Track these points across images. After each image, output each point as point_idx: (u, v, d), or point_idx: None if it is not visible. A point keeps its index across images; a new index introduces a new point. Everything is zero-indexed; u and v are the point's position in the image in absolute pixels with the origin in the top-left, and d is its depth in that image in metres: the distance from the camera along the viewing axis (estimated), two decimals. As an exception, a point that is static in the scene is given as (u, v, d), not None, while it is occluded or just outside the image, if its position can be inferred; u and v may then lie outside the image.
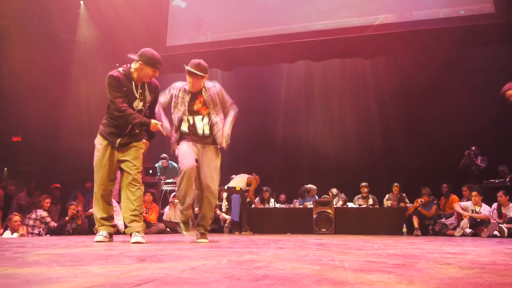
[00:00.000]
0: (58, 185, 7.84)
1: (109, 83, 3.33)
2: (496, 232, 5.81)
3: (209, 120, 3.71)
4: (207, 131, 3.68)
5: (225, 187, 7.73)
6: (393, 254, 2.17)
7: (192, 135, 3.66)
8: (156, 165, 8.56)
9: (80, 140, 9.38)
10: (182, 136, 3.68)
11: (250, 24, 8.89)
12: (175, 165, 8.45)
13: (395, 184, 7.89)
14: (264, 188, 8.36)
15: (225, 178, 9.42)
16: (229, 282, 1.11)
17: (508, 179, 7.18)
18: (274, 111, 10.87)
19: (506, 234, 5.69)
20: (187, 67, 3.66)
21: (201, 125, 3.69)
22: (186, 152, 3.54)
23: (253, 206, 8.02)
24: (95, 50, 9.78)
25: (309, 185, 8.55)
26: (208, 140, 3.70)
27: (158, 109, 3.76)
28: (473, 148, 7.74)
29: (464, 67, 8.86)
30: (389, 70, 9.80)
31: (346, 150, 9.85)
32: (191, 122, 3.69)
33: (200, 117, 3.70)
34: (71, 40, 9.52)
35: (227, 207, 7.72)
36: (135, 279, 1.14)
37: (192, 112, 3.69)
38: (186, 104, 3.68)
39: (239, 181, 7.60)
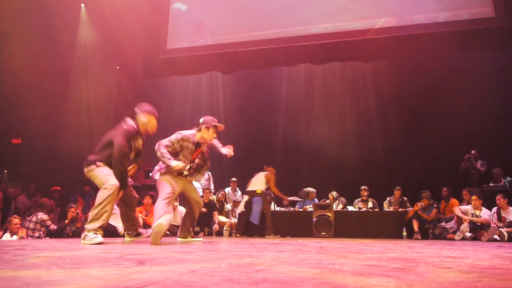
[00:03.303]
0: (58, 188, 7.84)
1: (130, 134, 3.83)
2: (496, 236, 5.81)
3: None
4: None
5: (246, 191, 7.44)
6: (392, 257, 2.17)
7: (179, 175, 4.14)
8: (155, 167, 8.55)
9: (80, 142, 9.39)
10: (169, 170, 4.03)
11: (251, 27, 8.92)
12: None
13: (397, 187, 7.88)
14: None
15: (225, 180, 9.44)
16: (228, 286, 1.11)
17: (502, 182, 7.21)
18: (274, 114, 10.89)
19: (506, 238, 5.69)
20: (217, 124, 4.18)
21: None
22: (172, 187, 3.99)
23: (284, 201, 7.79)
24: (96, 52, 9.81)
25: (308, 188, 8.52)
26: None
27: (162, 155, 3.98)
28: (473, 152, 7.75)
29: (464, 70, 8.88)
30: (389, 74, 9.83)
31: (346, 153, 9.86)
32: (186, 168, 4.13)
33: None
34: (71, 43, 9.56)
35: (243, 210, 7.37)
36: (134, 282, 1.14)
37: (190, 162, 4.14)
38: (190, 156, 4.10)
39: (258, 183, 7.30)
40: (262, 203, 7.12)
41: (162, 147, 3.96)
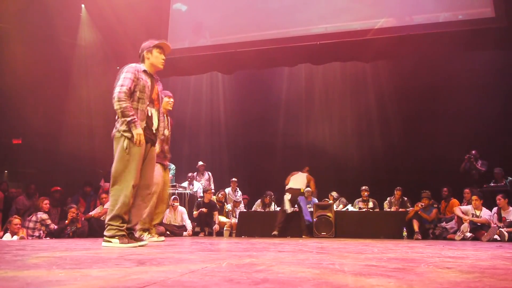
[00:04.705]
0: (59, 188, 7.84)
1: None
2: (496, 236, 5.81)
3: (158, 116, 3.46)
4: (156, 127, 3.43)
5: (287, 188, 7.40)
6: (393, 258, 2.17)
7: (147, 128, 3.32)
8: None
9: (81, 142, 9.39)
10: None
11: (251, 28, 8.92)
12: (173, 166, 8.43)
13: (397, 188, 7.89)
14: (267, 192, 8.34)
15: (226, 180, 9.44)
16: (228, 286, 1.11)
17: (503, 182, 7.21)
18: (274, 114, 10.90)
19: (506, 238, 5.69)
20: (160, 41, 3.52)
21: (156, 119, 3.43)
22: (140, 159, 3.19)
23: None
24: (96, 53, 9.81)
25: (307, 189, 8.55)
26: (155, 138, 3.47)
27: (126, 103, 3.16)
28: (473, 152, 7.76)
29: (464, 70, 8.90)
30: (389, 74, 9.84)
31: (346, 153, 9.88)
32: (149, 114, 3.35)
33: (155, 109, 3.41)
34: (72, 43, 9.56)
35: (292, 208, 7.34)
36: (134, 282, 1.14)
37: (151, 102, 3.36)
38: (149, 91, 3.32)
39: (300, 182, 7.33)
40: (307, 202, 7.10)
41: (123, 94, 3.12)
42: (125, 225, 3.12)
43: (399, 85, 9.59)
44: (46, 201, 6.48)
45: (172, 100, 4.64)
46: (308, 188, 8.43)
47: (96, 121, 9.87)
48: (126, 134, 3.13)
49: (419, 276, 1.38)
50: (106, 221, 3.14)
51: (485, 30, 7.49)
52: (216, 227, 7.62)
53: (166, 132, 4.56)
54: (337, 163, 9.89)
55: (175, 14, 9.67)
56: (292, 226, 7.42)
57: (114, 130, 3.22)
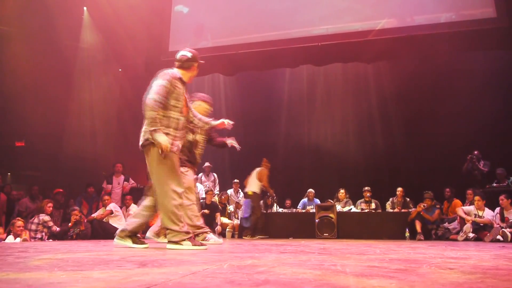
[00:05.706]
0: (61, 190, 7.85)
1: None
2: (499, 237, 5.78)
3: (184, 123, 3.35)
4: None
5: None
6: (395, 259, 2.17)
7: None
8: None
9: (83, 144, 9.41)
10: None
11: (252, 29, 8.92)
12: None
13: (399, 188, 7.87)
14: (268, 194, 8.34)
15: (228, 182, 9.43)
16: (230, 287, 1.11)
17: (506, 183, 7.19)
18: (276, 115, 10.90)
19: (509, 239, 5.67)
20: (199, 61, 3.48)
21: (182, 126, 3.32)
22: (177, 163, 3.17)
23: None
24: (98, 55, 9.85)
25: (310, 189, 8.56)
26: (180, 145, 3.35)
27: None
28: (476, 152, 7.73)
29: (466, 70, 8.87)
30: (390, 75, 9.82)
31: (348, 154, 9.87)
32: (181, 120, 3.27)
33: (183, 116, 3.29)
34: (74, 46, 9.60)
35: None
36: (136, 284, 1.14)
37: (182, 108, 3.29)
38: (183, 99, 3.26)
39: (252, 183, 7.37)
40: (252, 206, 7.12)
41: (158, 104, 3.07)
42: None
43: (401, 85, 9.56)
44: (50, 204, 6.50)
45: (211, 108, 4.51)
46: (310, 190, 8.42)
47: (99, 122, 9.91)
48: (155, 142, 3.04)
49: (421, 277, 1.37)
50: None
51: (487, 30, 7.46)
52: (218, 228, 7.61)
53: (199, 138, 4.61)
54: (339, 164, 9.87)
55: (176, 16, 9.69)
56: (292, 228, 7.42)
57: (144, 139, 3.12)
